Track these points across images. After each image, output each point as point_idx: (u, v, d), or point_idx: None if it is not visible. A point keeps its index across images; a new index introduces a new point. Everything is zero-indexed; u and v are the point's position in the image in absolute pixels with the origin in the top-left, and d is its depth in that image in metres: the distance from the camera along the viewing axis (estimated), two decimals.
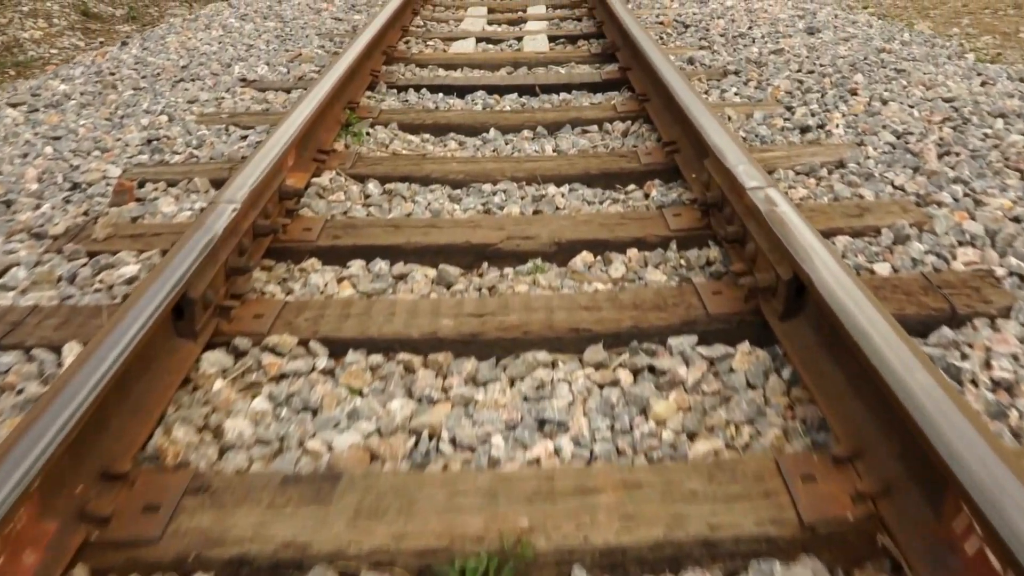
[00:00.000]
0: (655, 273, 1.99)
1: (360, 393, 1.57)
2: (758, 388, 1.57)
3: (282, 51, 4.24)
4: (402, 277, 2.02)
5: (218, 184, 2.50)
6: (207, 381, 1.56)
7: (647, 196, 2.46)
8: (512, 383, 1.61)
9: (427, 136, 3.05)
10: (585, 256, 2.07)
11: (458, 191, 2.52)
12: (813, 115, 3.01)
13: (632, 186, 2.53)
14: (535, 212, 2.36)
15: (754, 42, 4.12)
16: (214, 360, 1.61)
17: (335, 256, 2.08)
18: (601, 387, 1.59)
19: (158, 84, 3.58)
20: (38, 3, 5.88)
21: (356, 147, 2.88)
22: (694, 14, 4.91)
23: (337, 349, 1.67)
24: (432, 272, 2.04)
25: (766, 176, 1.99)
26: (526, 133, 3.05)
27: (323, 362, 1.63)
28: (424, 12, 5.39)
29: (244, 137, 2.93)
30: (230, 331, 1.69)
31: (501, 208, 2.39)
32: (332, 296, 1.92)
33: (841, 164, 2.56)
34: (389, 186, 2.52)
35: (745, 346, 1.67)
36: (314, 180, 2.49)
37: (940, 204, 2.22)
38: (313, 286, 1.96)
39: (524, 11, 5.52)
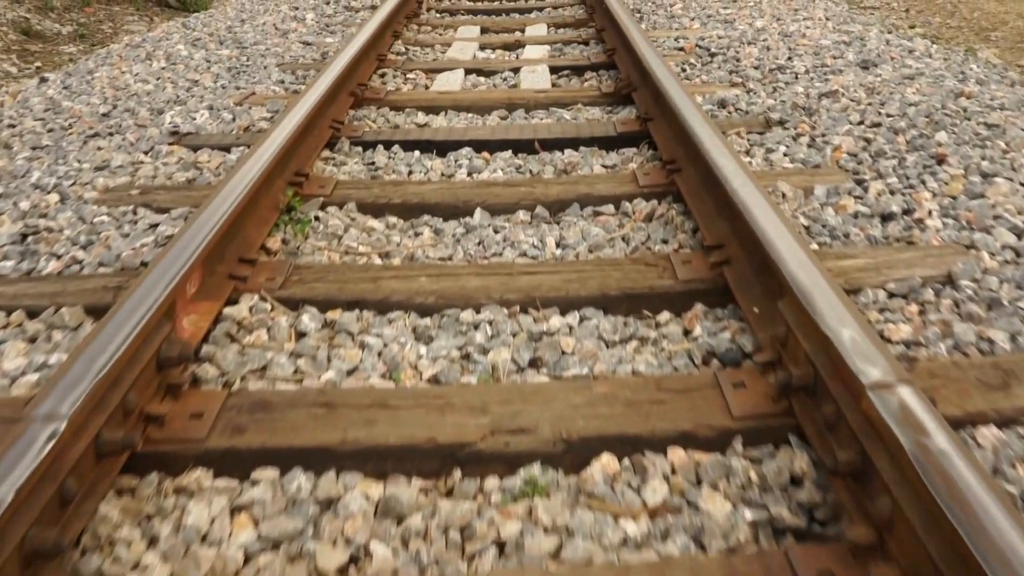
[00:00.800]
0: (714, 499, 1.31)
1: None
2: None
3: (232, 89, 3.54)
4: (330, 504, 1.34)
5: (98, 312, 1.81)
6: None
7: (688, 334, 1.77)
8: None
9: (394, 220, 2.35)
10: (606, 462, 1.39)
11: (426, 321, 1.83)
12: (893, 192, 2.32)
13: (666, 315, 1.84)
14: (532, 363, 1.68)
15: (797, 78, 3.42)
16: None
17: (234, 464, 1.39)
18: None
19: (65, 141, 2.88)
20: None
21: (297, 242, 2.18)
22: (720, 38, 4.20)
23: None
24: (376, 491, 1.36)
25: (890, 357, 1.30)
26: (522, 216, 2.35)
27: None
28: (407, 34, 4.69)
29: (154, 226, 2.24)
30: None
31: (485, 352, 1.71)
32: (216, 559, 1.23)
33: (951, 280, 1.87)
34: (332, 316, 1.83)
35: None
36: (227, 311, 1.80)
37: None
38: (191, 529, 1.27)
39: (523, 31, 4.82)
